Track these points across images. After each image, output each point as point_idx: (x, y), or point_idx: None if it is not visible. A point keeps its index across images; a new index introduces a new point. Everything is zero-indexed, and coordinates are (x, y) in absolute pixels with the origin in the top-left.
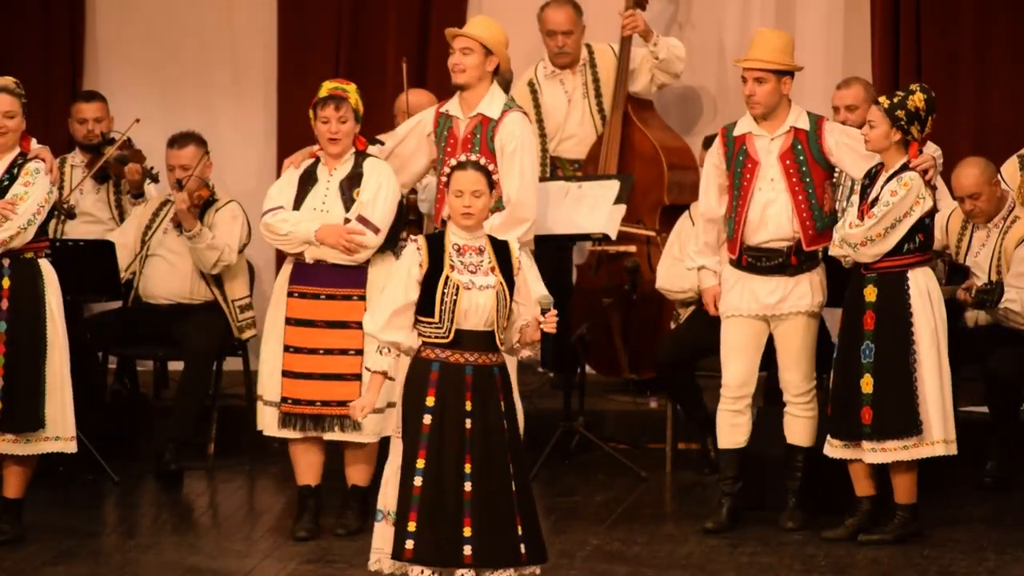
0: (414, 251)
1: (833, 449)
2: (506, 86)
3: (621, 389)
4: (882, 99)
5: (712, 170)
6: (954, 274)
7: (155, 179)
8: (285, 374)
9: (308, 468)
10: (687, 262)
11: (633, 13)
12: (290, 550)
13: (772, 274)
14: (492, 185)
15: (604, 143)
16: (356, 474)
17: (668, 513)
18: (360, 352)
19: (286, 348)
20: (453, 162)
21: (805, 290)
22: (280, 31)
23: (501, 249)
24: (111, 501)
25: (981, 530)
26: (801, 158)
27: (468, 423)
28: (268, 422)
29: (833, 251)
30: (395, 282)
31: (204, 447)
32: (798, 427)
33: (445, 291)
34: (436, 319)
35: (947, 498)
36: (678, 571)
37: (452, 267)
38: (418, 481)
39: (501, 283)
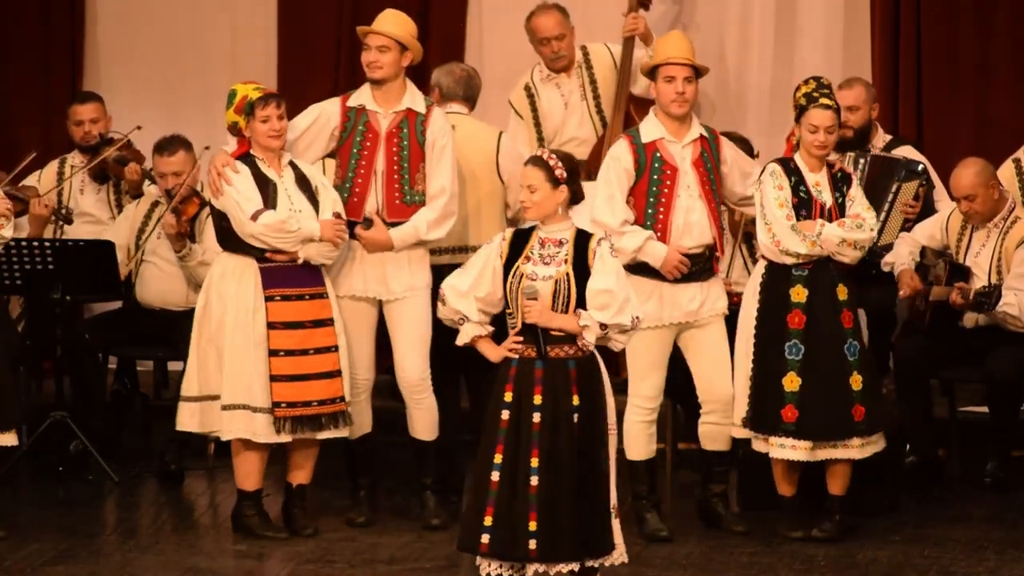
0: (498, 242)
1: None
2: (472, 94)
3: (621, 389)
4: (830, 101)
5: (623, 175)
6: (955, 274)
7: (154, 180)
8: (275, 379)
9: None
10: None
11: (637, 15)
12: (290, 550)
13: (694, 280)
14: (556, 180)
15: (606, 144)
16: (303, 474)
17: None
18: (338, 348)
19: (273, 352)
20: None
21: (718, 293)
22: (280, 31)
23: (583, 242)
24: (111, 501)
25: (981, 530)
26: (709, 166)
27: (536, 417)
28: (258, 429)
29: (806, 249)
30: (471, 266)
31: (204, 447)
32: (721, 433)
33: (513, 281)
34: (510, 309)
35: (947, 498)
36: (678, 571)
37: (528, 258)
38: (495, 476)
39: (568, 274)
